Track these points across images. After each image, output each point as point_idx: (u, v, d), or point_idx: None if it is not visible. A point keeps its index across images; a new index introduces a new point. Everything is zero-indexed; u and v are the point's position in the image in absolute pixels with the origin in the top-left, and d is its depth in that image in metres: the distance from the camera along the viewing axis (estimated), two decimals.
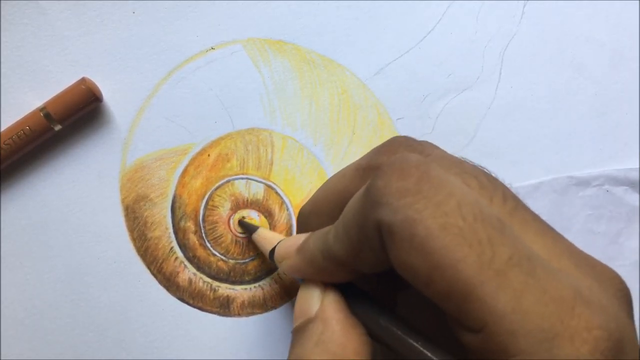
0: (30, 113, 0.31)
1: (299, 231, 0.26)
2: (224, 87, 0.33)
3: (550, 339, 0.16)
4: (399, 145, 0.23)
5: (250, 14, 0.32)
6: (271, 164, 0.33)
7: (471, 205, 0.17)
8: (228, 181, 0.33)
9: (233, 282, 0.33)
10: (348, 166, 0.24)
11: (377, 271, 0.20)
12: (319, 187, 0.26)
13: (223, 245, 0.33)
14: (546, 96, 0.33)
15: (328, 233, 0.21)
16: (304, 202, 0.27)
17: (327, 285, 0.22)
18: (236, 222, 0.33)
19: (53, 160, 0.32)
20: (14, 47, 0.32)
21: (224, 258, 0.33)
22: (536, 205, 0.32)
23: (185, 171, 0.33)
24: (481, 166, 0.21)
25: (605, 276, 0.18)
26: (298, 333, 0.21)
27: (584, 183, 0.33)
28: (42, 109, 0.31)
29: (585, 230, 0.33)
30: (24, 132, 0.31)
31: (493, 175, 0.20)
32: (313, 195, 0.26)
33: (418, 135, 0.33)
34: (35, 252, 0.32)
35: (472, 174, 0.20)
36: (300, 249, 0.23)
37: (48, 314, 0.32)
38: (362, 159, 0.24)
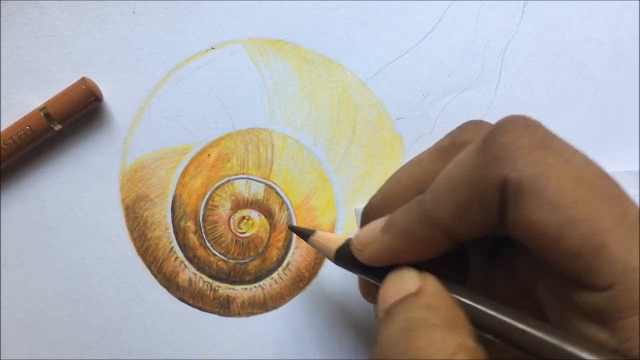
0: (30, 113, 0.31)
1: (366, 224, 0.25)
2: (224, 87, 0.33)
3: None
4: (481, 125, 0.22)
5: (250, 14, 0.32)
6: (271, 164, 0.33)
7: (597, 163, 0.17)
8: (228, 181, 0.33)
9: (233, 282, 0.33)
10: (422, 153, 0.23)
11: (476, 237, 0.19)
12: (386, 180, 0.25)
13: (223, 245, 0.33)
14: (546, 96, 0.33)
15: (421, 201, 0.20)
16: (370, 200, 0.25)
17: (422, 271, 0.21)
18: (237, 221, 0.33)
19: (53, 160, 0.32)
20: (14, 47, 0.32)
21: (224, 258, 0.33)
22: None
23: (185, 171, 0.33)
24: None
25: None
26: (398, 306, 0.19)
27: None
28: (42, 108, 0.31)
29: None
30: (24, 132, 0.31)
31: None
32: (382, 188, 0.24)
33: (418, 135, 0.33)
34: (35, 252, 0.32)
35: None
36: (387, 228, 0.21)
37: (48, 314, 0.32)
38: (439, 142, 0.23)
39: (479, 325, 0.19)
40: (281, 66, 0.33)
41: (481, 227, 0.19)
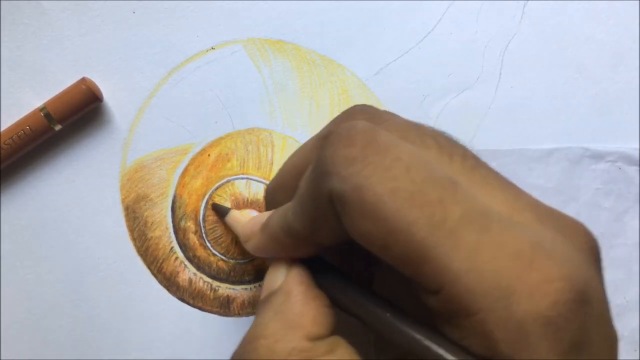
0: (30, 113, 0.31)
1: (267, 209, 0.26)
2: (224, 87, 0.33)
3: (508, 295, 0.15)
4: (356, 113, 0.22)
5: (250, 14, 0.32)
6: (271, 164, 0.33)
7: (420, 168, 0.17)
8: (228, 181, 0.33)
9: (233, 282, 0.33)
10: (310, 138, 0.24)
11: (337, 243, 0.20)
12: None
13: (223, 245, 0.33)
14: (546, 96, 0.33)
15: (288, 209, 0.21)
16: (267, 185, 0.27)
17: (293, 261, 0.22)
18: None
19: (53, 160, 0.32)
20: (14, 47, 0.32)
21: (224, 258, 0.33)
22: (547, 170, 0.32)
23: (185, 171, 0.33)
24: (442, 130, 0.21)
25: (570, 228, 0.18)
26: (261, 306, 0.21)
27: (597, 156, 0.32)
28: (42, 108, 0.31)
29: (592, 203, 0.33)
30: (24, 132, 0.31)
31: (454, 137, 0.20)
32: (278, 171, 0.25)
33: None
34: (35, 252, 0.32)
35: (430, 136, 0.20)
36: (264, 227, 0.23)
37: (48, 314, 0.32)
38: (322, 129, 0.23)
39: (347, 310, 0.20)
40: (281, 66, 0.33)
41: (336, 236, 0.19)
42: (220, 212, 0.32)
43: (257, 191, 0.33)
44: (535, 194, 0.19)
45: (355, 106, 0.23)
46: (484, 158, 0.20)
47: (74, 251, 0.32)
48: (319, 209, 0.19)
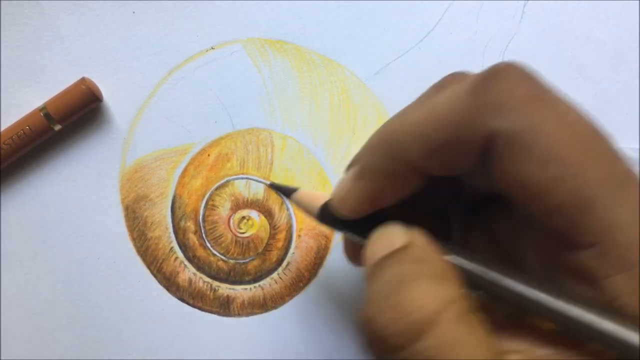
0: (30, 113, 0.31)
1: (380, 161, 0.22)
2: (224, 87, 0.33)
3: None
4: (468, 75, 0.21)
5: (250, 14, 0.32)
6: (271, 164, 0.33)
7: (590, 120, 0.17)
8: (228, 181, 0.33)
9: (233, 282, 0.33)
10: (411, 104, 0.22)
11: (451, 174, 0.19)
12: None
13: (223, 245, 0.33)
14: None
15: (390, 138, 0.19)
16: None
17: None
18: (237, 221, 0.33)
19: (53, 160, 0.32)
20: (14, 47, 0.32)
21: (224, 258, 0.33)
22: None
23: (185, 171, 0.33)
24: None
25: None
26: (386, 261, 0.19)
27: None
28: (42, 109, 0.31)
29: None
30: (24, 132, 0.31)
31: None
32: (367, 143, 0.23)
33: None
34: (35, 252, 0.32)
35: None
36: (359, 173, 0.21)
37: (48, 314, 0.32)
38: (426, 92, 0.22)
39: (468, 282, 0.19)
40: (281, 66, 0.33)
41: (458, 167, 0.19)
42: (283, 191, 0.29)
43: (257, 191, 0.33)
44: None
45: (510, 63, 0.21)
46: None
47: (74, 251, 0.32)
48: (461, 138, 0.18)
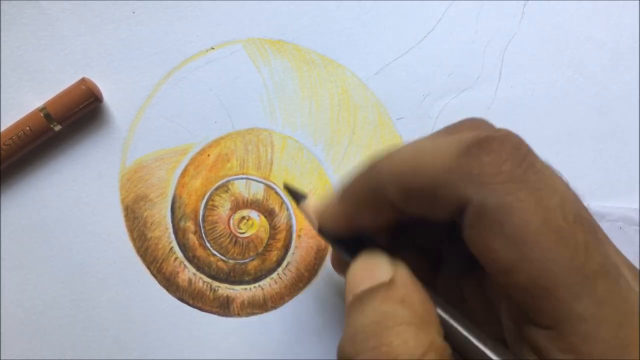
0: (30, 113, 0.31)
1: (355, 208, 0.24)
2: (224, 87, 0.33)
3: (624, 346, 0.16)
4: (482, 124, 0.22)
5: (250, 14, 0.32)
6: (271, 164, 0.33)
7: (573, 204, 0.17)
8: (228, 181, 0.33)
9: (233, 282, 0.33)
10: (436, 139, 0.21)
11: (427, 219, 0.19)
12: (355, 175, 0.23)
13: (223, 245, 0.33)
14: (546, 96, 0.33)
15: (375, 169, 0.20)
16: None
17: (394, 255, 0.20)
18: (236, 222, 0.33)
19: (53, 160, 0.32)
20: (14, 47, 0.32)
21: (223, 258, 0.33)
22: None
23: (185, 171, 0.33)
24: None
25: None
26: (369, 295, 0.19)
27: (598, 216, 0.32)
28: (42, 109, 0.31)
29: None
30: (24, 132, 0.31)
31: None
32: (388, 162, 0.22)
33: (418, 136, 0.33)
34: (35, 252, 0.32)
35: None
36: (342, 193, 0.21)
37: (48, 314, 0.32)
38: (463, 135, 0.21)
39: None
40: (281, 66, 0.33)
41: (428, 214, 0.19)
42: (294, 196, 0.29)
43: (257, 191, 0.33)
44: None
45: (475, 119, 0.22)
46: None
47: (74, 251, 0.32)
48: (436, 193, 0.18)
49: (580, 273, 0.16)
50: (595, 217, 0.32)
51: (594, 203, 0.33)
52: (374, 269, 0.20)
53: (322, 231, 0.24)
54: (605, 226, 0.33)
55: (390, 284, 0.19)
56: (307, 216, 0.26)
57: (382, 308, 0.18)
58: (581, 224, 0.17)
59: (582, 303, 0.16)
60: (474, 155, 0.18)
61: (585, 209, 0.18)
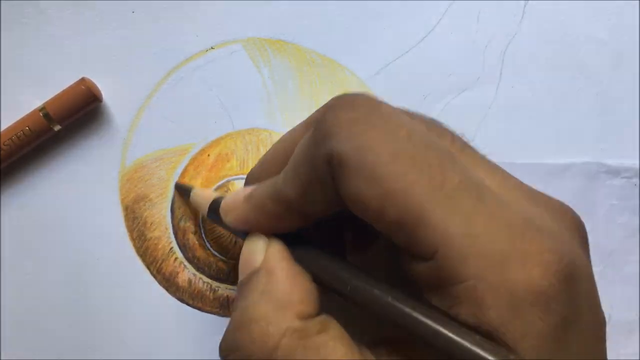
0: (30, 113, 0.31)
1: None
2: (224, 87, 0.33)
3: (501, 262, 0.15)
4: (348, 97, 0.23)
5: (250, 14, 0.32)
6: None
7: (422, 135, 0.17)
8: (228, 181, 0.33)
9: (233, 283, 0.33)
10: (298, 124, 0.23)
11: (328, 213, 0.19)
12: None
13: (223, 245, 0.33)
14: (547, 96, 0.33)
15: (277, 178, 0.20)
16: (252, 168, 0.25)
17: (271, 236, 0.21)
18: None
19: (53, 160, 0.32)
20: (14, 47, 0.32)
21: (223, 258, 0.33)
22: (563, 185, 0.32)
23: (184, 171, 0.33)
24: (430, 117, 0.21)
25: (558, 209, 0.18)
26: (243, 286, 0.20)
27: (613, 172, 0.33)
28: (41, 109, 0.31)
29: (607, 218, 0.33)
30: (23, 132, 0.31)
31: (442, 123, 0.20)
32: (262, 157, 0.25)
33: None
34: (35, 252, 0.32)
35: (419, 118, 0.20)
36: (249, 197, 0.22)
37: (48, 314, 0.32)
38: (310, 115, 0.23)
39: (328, 286, 0.19)
40: (281, 66, 0.33)
41: (328, 204, 0.19)
42: (183, 191, 0.30)
43: None
44: None
45: (345, 94, 0.23)
46: None
47: (74, 251, 0.32)
48: (314, 172, 0.18)
49: (441, 193, 0.16)
50: (611, 173, 0.32)
51: (609, 159, 0.33)
52: (250, 255, 0.21)
53: (212, 217, 0.25)
54: (620, 182, 0.33)
55: (258, 270, 0.20)
56: (197, 206, 0.27)
57: (247, 302, 0.19)
58: (433, 149, 0.17)
59: (451, 223, 0.16)
60: (321, 120, 0.18)
61: (438, 140, 0.18)
